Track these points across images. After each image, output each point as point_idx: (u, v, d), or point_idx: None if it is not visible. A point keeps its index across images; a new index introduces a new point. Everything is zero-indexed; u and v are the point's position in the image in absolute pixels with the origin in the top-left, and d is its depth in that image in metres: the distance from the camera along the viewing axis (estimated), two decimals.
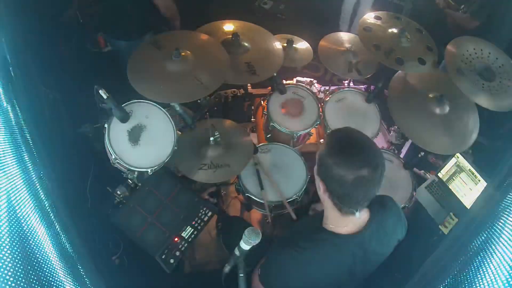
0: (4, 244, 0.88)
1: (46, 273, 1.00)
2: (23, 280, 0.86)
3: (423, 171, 2.27)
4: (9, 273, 0.84)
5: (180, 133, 1.94)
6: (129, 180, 1.85)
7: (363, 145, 1.12)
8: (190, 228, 1.71)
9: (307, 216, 1.42)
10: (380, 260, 1.36)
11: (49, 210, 1.26)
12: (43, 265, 1.01)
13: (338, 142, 1.16)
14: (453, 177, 2.09)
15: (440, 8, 2.68)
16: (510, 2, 2.34)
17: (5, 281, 0.81)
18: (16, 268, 0.86)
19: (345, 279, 1.30)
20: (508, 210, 1.14)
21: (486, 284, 0.95)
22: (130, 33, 1.87)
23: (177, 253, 1.65)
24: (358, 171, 1.07)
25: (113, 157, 1.73)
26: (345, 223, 1.21)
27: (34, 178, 1.26)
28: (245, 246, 1.32)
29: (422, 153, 2.11)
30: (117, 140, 1.76)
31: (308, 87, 2.44)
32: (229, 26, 2.26)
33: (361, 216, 1.21)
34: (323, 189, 1.18)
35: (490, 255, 1.02)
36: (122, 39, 1.87)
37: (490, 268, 0.97)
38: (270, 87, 2.40)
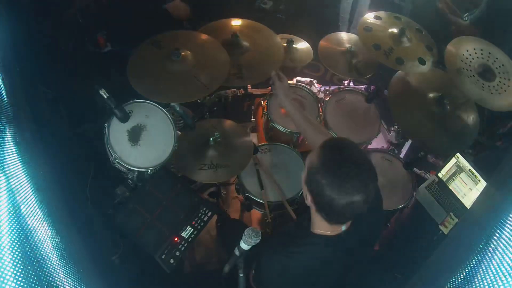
0: (4, 244, 0.88)
1: (46, 273, 1.00)
2: (23, 280, 0.86)
3: (423, 171, 2.27)
4: (9, 273, 0.84)
5: (180, 133, 1.94)
6: (129, 180, 1.85)
7: (359, 167, 1.05)
8: (190, 228, 1.71)
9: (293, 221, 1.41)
10: (367, 252, 1.35)
11: (49, 210, 1.25)
12: (43, 265, 1.01)
13: (332, 160, 1.07)
14: (453, 177, 2.09)
15: (440, 10, 2.68)
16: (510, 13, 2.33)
17: (5, 281, 0.81)
18: (16, 268, 0.86)
19: (342, 273, 1.30)
20: (508, 210, 1.14)
21: (486, 284, 0.95)
22: (141, 39, 1.88)
23: (177, 253, 1.65)
24: (350, 197, 1.03)
25: (113, 157, 1.73)
26: (332, 228, 1.19)
27: (34, 178, 1.26)
28: (245, 246, 1.32)
29: (422, 153, 2.11)
30: (117, 140, 1.75)
31: (308, 87, 2.44)
32: (230, 24, 2.26)
33: None
34: (310, 200, 1.14)
35: (490, 255, 1.01)
36: (132, 46, 1.89)
37: (490, 268, 0.97)
38: (270, 87, 2.40)
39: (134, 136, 1.79)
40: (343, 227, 1.18)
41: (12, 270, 0.85)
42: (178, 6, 2.23)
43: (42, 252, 1.05)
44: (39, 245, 1.06)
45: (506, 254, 0.97)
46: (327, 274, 1.27)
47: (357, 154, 1.09)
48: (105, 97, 1.64)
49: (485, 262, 1.01)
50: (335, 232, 1.21)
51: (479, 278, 0.98)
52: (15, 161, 1.18)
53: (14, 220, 0.99)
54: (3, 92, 1.33)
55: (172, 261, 1.63)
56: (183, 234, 1.69)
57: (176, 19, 2.30)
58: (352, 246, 1.25)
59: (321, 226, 1.21)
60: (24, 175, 1.19)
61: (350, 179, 1.03)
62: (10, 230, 0.94)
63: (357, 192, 1.03)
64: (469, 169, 2.01)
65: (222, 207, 2.29)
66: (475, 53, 1.97)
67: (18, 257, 0.89)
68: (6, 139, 1.20)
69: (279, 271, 1.23)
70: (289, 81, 2.51)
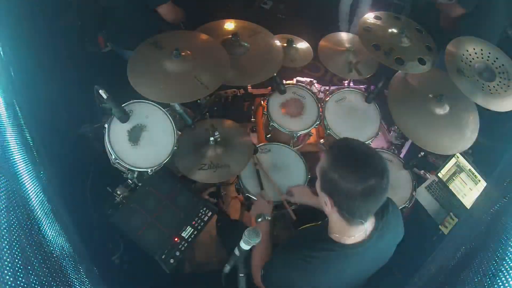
0: (4, 245, 0.88)
1: (46, 273, 1.00)
2: (23, 281, 0.86)
3: (423, 171, 2.27)
4: (9, 273, 0.84)
5: (180, 133, 1.94)
6: (129, 180, 1.85)
7: (366, 154, 1.10)
8: (190, 228, 1.71)
9: (312, 225, 1.41)
10: (383, 262, 1.36)
11: (49, 210, 1.26)
12: (43, 265, 1.01)
13: (340, 154, 1.12)
14: (453, 177, 2.09)
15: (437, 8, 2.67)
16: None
17: (5, 281, 0.81)
18: (16, 269, 0.86)
19: (351, 285, 1.30)
20: (508, 210, 1.14)
21: (486, 284, 0.95)
22: (138, 42, 1.88)
23: (177, 253, 1.65)
24: (366, 181, 1.05)
25: (113, 157, 1.73)
26: (352, 233, 1.20)
27: (34, 178, 1.26)
28: (245, 246, 1.32)
29: (422, 153, 2.11)
30: (117, 140, 1.76)
31: (308, 87, 2.44)
32: (229, 25, 2.27)
33: (368, 224, 1.21)
34: (330, 205, 1.15)
35: (490, 255, 1.02)
36: (130, 49, 1.90)
37: (490, 268, 0.97)
38: (270, 87, 2.40)
39: (134, 136, 1.79)
40: (365, 224, 1.17)
41: (12, 271, 0.85)
42: (169, 9, 2.22)
43: (42, 253, 1.05)
44: (39, 245, 1.06)
45: (506, 254, 0.97)
46: (336, 282, 1.26)
47: (363, 145, 1.14)
48: (105, 97, 1.64)
49: (485, 262, 1.01)
50: (353, 241, 1.21)
51: (479, 278, 0.98)
52: (14, 162, 1.18)
53: (14, 220, 0.99)
54: (3, 94, 1.33)
55: (172, 261, 1.63)
56: (183, 234, 1.69)
57: (169, 21, 2.30)
58: (368, 258, 1.25)
59: (340, 231, 1.21)
60: (24, 176, 1.19)
61: (361, 165, 1.07)
62: (10, 231, 0.94)
63: (370, 176, 1.05)
64: (469, 169, 2.01)
65: (222, 207, 2.29)
66: (475, 53, 1.97)
67: (18, 258, 0.89)
68: (6, 139, 1.20)
69: (292, 274, 1.22)
70: (289, 81, 2.52)
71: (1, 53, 1.47)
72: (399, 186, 2.10)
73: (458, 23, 2.40)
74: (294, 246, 1.29)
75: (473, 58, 1.95)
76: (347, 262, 1.23)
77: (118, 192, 1.82)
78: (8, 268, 0.84)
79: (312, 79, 2.58)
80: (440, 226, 2.00)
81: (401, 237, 1.39)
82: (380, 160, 1.10)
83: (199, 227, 1.73)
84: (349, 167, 1.07)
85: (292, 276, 1.22)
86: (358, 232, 1.20)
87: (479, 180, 1.97)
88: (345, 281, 1.27)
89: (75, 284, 1.11)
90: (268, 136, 2.30)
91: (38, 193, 1.24)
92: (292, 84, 2.45)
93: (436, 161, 2.32)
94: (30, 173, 1.25)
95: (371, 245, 1.22)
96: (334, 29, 3.32)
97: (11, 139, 1.23)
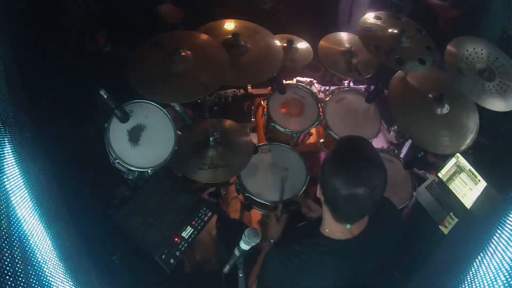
0: (4, 244, 0.88)
1: (46, 273, 1.00)
2: (23, 280, 0.86)
3: (423, 171, 2.27)
4: (9, 273, 0.84)
5: (180, 133, 1.94)
6: (129, 180, 1.85)
7: (368, 162, 1.06)
8: (190, 228, 1.71)
9: (306, 221, 1.41)
10: (381, 260, 1.35)
11: (49, 210, 1.26)
12: (43, 265, 1.01)
13: (344, 151, 1.11)
14: (453, 177, 2.09)
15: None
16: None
17: (5, 281, 0.81)
18: (16, 268, 0.86)
19: (342, 283, 1.30)
20: (508, 210, 1.14)
21: (486, 284, 0.95)
22: (138, 42, 1.89)
23: (177, 253, 1.65)
24: (353, 188, 1.03)
25: (113, 157, 1.73)
26: (340, 229, 1.19)
27: (34, 178, 1.26)
28: (244, 246, 1.32)
29: (422, 153, 2.11)
30: (117, 140, 1.76)
31: (308, 87, 2.44)
32: (229, 25, 2.27)
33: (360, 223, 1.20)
34: (318, 192, 1.17)
35: (490, 255, 1.02)
36: (130, 49, 1.91)
37: (490, 268, 0.97)
38: (270, 87, 2.40)
39: (134, 136, 1.79)
40: (348, 226, 1.17)
41: (12, 271, 0.85)
42: (168, 10, 2.23)
43: (42, 253, 1.05)
44: (39, 245, 1.06)
45: (506, 254, 0.97)
46: (328, 278, 1.26)
47: (370, 151, 1.12)
48: (105, 97, 1.64)
49: (485, 262, 1.01)
50: (344, 237, 1.20)
51: (480, 278, 0.98)
52: (14, 162, 1.18)
53: (14, 221, 0.99)
54: (4, 93, 1.33)
55: (172, 261, 1.63)
56: (183, 234, 1.69)
57: (168, 21, 2.31)
58: (360, 255, 1.24)
59: (330, 226, 1.21)
60: (24, 176, 1.19)
61: (356, 170, 1.05)
62: (9, 231, 0.94)
63: (361, 184, 1.03)
64: (469, 169, 2.01)
65: (222, 207, 2.29)
66: (475, 53, 1.96)
67: (18, 258, 0.89)
68: (5, 139, 1.20)
69: (282, 270, 1.22)
70: (289, 81, 2.52)
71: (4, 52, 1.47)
72: (399, 186, 2.10)
73: (456, 24, 2.41)
74: (287, 243, 1.29)
75: (473, 58, 1.95)
76: (337, 258, 1.22)
77: (118, 192, 1.82)
78: (8, 268, 0.84)
79: (312, 79, 2.58)
80: (440, 226, 2.00)
81: (399, 237, 1.38)
82: (380, 174, 1.06)
83: (199, 227, 1.73)
84: (344, 168, 1.06)
85: (284, 272, 1.22)
86: (347, 230, 1.20)
87: (479, 180, 1.97)
88: (338, 276, 1.27)
89: (75, 284, 1.11)
90: (268, 136, 2.30)
91: (38, 193, 1.24)
92: (292, 84, 2.45)
93: (436, 161, 2.33)
94: (30, 173, 1.25)
95: (362, 243, 1.21)
96: (334, 29, 3.32)
97: (11, 139, 1.23)
